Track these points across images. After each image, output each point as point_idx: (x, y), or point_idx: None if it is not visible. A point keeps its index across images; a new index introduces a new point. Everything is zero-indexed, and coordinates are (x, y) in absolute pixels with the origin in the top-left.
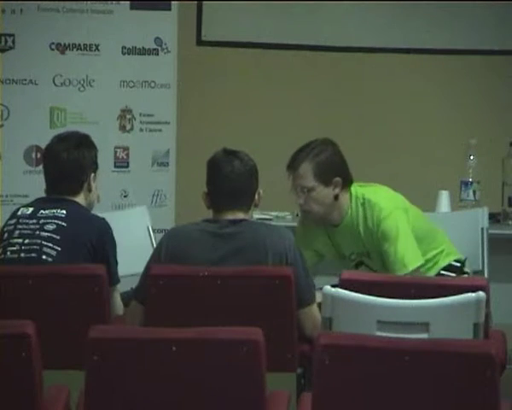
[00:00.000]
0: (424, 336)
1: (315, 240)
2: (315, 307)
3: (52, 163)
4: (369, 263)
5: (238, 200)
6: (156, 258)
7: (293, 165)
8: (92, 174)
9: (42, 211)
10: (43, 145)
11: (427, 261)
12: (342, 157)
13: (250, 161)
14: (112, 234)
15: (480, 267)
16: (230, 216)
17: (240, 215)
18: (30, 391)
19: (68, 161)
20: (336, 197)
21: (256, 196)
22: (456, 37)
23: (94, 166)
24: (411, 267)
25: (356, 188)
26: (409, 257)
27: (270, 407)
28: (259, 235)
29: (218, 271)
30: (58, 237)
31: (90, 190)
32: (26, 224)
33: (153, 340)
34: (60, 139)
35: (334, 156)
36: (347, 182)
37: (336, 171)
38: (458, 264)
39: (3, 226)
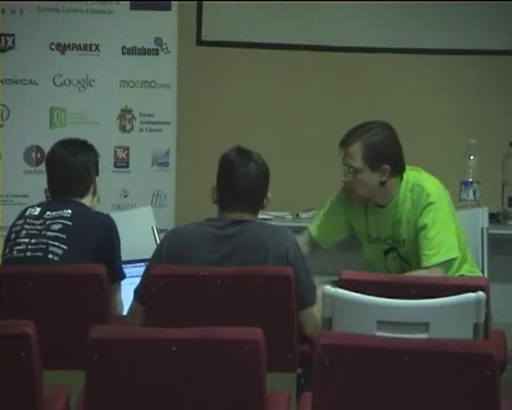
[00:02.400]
0: (424, 336)
1: (351, 209)
2: (315, 309)
3: (60, 167)
4: (401, 251)
5: (248, 202)
6: (157, 258)
7: (345, 142)
8: (96, 177)
9: (48, 212)
10: (43, 145)
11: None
12: (397, 144)
13: (264, 165)
14: (116, 230)
15: (480, 267)
16: (236, 217)
17: (246, 217)
18: (30, 391)
19: (77, 164)
20: (383, 183)
21: (265, 200)
22: (456, 37)
23: (97, 170)
24: (445, 257)
25: (408, 172)
26: (446, 246)
27: (270, 407)
28: (260, 235)
29: (218, 271)
30: (64, 236)
31: (94, 193)
32: (33, 224)
33: (153, 340)
34: (64, 144)
35: (388, 143)
36: (397, 170)
37: (386, 158)
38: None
39: (11, 226)
